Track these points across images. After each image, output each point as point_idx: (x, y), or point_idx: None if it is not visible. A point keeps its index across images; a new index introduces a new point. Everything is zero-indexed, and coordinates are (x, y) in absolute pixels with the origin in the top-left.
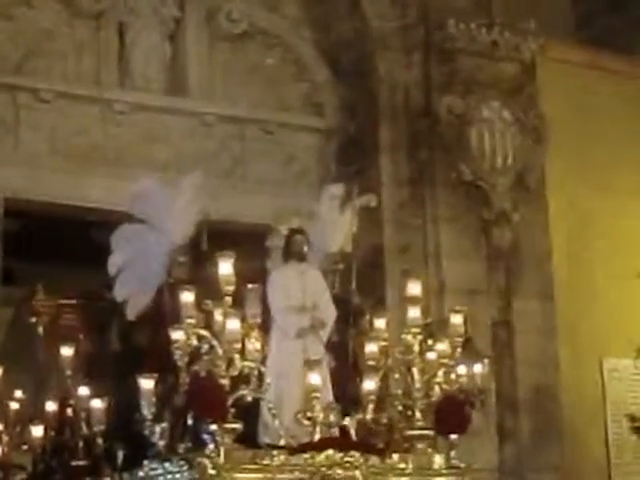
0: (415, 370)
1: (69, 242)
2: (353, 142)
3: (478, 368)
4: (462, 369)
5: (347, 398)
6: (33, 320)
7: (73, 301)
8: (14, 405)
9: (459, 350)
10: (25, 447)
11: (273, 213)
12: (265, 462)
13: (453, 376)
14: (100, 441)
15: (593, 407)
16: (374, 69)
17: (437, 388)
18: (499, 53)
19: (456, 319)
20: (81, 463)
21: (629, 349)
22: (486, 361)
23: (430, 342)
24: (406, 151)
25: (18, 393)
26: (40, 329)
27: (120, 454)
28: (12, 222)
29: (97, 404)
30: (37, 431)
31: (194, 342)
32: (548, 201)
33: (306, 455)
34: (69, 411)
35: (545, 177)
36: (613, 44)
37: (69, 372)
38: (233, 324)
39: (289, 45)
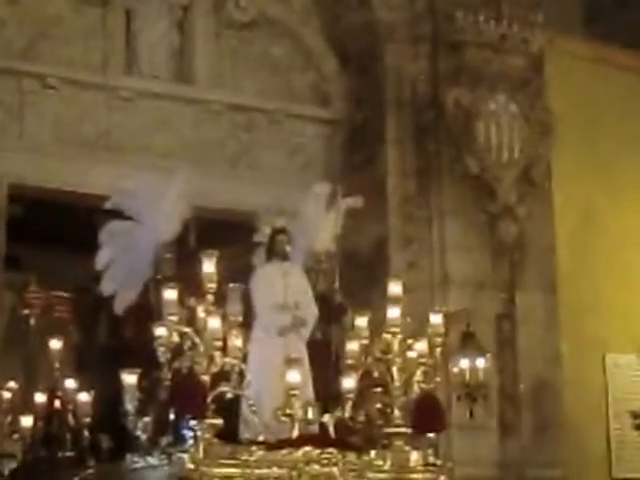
0: (394, 369)
1: (73, 229)
2: (359, 133)
3: (481, 362)
4: (464, 363)
5: (329, 396)
6: (26, 312)
7: (65, 294)
8: (6, 394)
9: (439, 350)
10: (16, 436)
11: (275, 203)
12: (244, 457)
13: (456, 369)
14: (86, 433)
15: (595, 403)
16: (381, 60)
17: (416, 387)
18: (507, 46)
19: (436, 319)
20: (67, 454)
21: (632, 344)
22: (488, 355)
23: (410, 341)
24: (412, 143)
25: (11, 383)
26: (32, 320)
27: (105, 446)
28: (17, 208)
29: (84, 397)
30: (27, 421)
31: (176, 339)
32: (553, 195)
33: (284, 451)
34: (57, 403)
35: (551, 171)
36: (621, 39)
37: (57, 364)
38: (214, 322)
39: (297, 35)
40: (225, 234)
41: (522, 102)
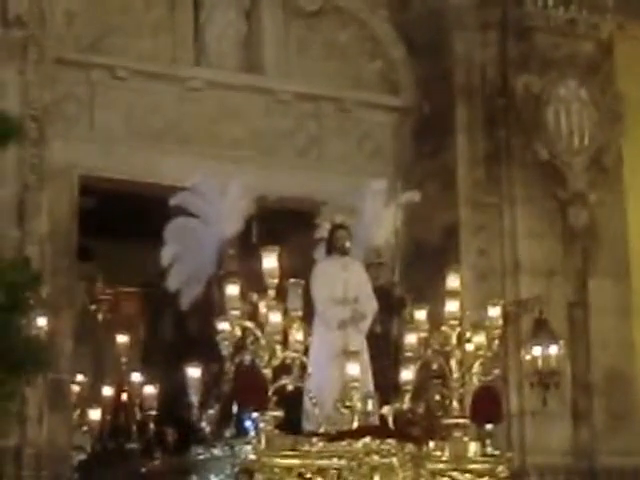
0: (453, 361)
1: (144, 219)
2: (428, 120)
3: (553, 349)
4: (537, 350)
5: (388, 388)
6: (94, 307)
7: (132, 289)
8: (75, 388)
9: (496, 342)
10: (85, 429)
11: (348, 191)
12: (304, 448)
13: (528, 357)
14: (152, 425)
15: None
16: (450, 47)
17: (475, 379)
18: (576, 31)
19: (493, 311)
20: (134, 446)
21: None
22: (561, 342)
23: (468, 334)
24: (482, 130)
25: (80, 377)
26: (100, 316)
27: (171, 438)
28: (88, 200)
29: (150, 390)
30: (95, 414)
31: (238, 333)
32: (624, 181)
33: (344, 442)
34: (124, 396)
35: (622, 157)
36: None
37: (124, 359)
38: (275, 317)
39: (365, 22)
40: (294, 224)
41: (592, 88)
